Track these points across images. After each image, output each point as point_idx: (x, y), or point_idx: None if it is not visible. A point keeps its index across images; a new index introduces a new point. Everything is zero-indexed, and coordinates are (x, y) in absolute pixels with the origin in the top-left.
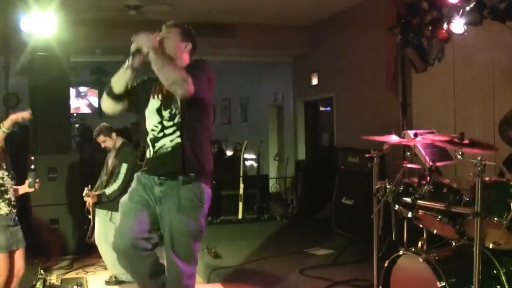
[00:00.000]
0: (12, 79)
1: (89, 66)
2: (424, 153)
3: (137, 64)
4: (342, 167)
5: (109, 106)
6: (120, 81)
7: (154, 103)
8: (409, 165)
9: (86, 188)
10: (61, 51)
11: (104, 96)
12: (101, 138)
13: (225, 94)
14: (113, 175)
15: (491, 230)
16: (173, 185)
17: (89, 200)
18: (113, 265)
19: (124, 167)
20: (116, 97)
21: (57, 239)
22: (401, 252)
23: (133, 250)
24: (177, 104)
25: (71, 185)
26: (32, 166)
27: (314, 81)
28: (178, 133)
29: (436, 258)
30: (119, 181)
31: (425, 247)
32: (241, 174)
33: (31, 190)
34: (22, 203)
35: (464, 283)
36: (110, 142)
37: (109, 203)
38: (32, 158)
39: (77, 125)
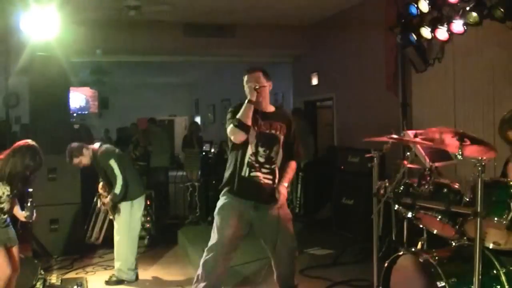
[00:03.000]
0: (12, 79)
1: (89, 66)
2: (424, 153)
3: (255, 99)
4: (342, 167)
5: (240, 136)
6: (246, 114)
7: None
8: (409, 165)
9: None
10: (61, 51)
11: (234, 129)
12: (75, 161)
13: (225, 94)
14: (111, 178)
15: (491, 230)
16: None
17: (106, 207)
18: (125, 257)
19: (112, 163)
20: (246, 129)
21: (57, 239)
22: (401, 252)
23: None
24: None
25: (71, 185)
26: (30, 199)
27: (314, 81)
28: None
29: (436, 258)
30: (119, 178)
31: (425, 247)
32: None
33: (29, 221)
34: (22, 203)
35: (464, 283)
36: (85, 158)
37: (127, 195)
38: (30, 190)
39: (76, 126)
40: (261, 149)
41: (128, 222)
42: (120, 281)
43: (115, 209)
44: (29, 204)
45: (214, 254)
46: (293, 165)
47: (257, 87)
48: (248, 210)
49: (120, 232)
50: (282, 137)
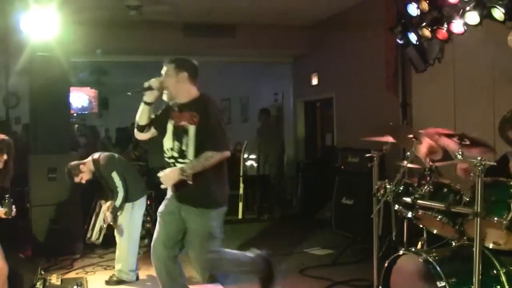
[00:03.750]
0: (12, 79)
1: (89, 66)
2: (424, 153)
3: (149, 100)
4: (342, 167)
5: (138, 136)
6: (140, 115)
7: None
8: (409, 165)
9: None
10: (61, 51)
11: (135, 130)
12: (77, 179)
13: (225, 94)
14: (112, 188)
15: (491, 230)
16: None
17: (109, 220)
18: (125, 258)
19: (114, 175)
20: (140, 128)
21: (57, 239)
22: (401, 252)
23: None
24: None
25: (71, 185)
26: (7, 195)
27: (314, 81)
28: None
29: (436, 258)
30: (120, 190)
31: (425, 247)
32: (241, 174)
33: (9, 217)
34: (22, 203)
35: (464, 283)
36: (86, 174)
37: (128, 197)
38: (9, 186)
39: (76, 126)
40: (175, 143)
41: (128, 223)
42: (120, 281)
43: (116, 218)
44: (6, 201)
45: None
46: (206, 154)
47: (146, 85)
48: (180, 208)
49: (121, 234)
50: (192, 128)
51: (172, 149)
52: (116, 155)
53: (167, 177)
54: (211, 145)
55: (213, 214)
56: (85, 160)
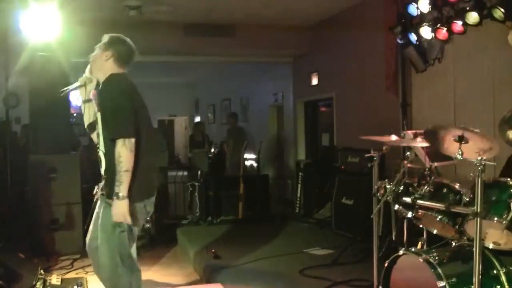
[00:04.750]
0: (12, 79)
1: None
2: (424, 153)
3: (84, 97)
4: (342, 167)
5: (95, 139)
6: (85, 115)
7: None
8: (409, 165)
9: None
10: (61, 51)
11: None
12: None
13: (225, 94)
14: None
15: (491, 230)
16: None
17: None
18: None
19: None
20: (90, 128)
21: (57, 239)
22: (401, 252)
23: None
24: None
25: (71, 185)
26: None
27: (314, 81)
28: None
29: (436, 258)
30: None
31: (425, 247)
32: (241, 174)
33: None
34: (22, 203)
35: (464, 283)
36: None
37: None
38: None
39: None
40: (96, 133)
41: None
42: None
43: None
44: None
45: None
46: (116, 155)
47: (76, 84)
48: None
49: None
50: (99, 114)
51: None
52: None
53: (116, 215)
54: (110, 134)
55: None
56: None
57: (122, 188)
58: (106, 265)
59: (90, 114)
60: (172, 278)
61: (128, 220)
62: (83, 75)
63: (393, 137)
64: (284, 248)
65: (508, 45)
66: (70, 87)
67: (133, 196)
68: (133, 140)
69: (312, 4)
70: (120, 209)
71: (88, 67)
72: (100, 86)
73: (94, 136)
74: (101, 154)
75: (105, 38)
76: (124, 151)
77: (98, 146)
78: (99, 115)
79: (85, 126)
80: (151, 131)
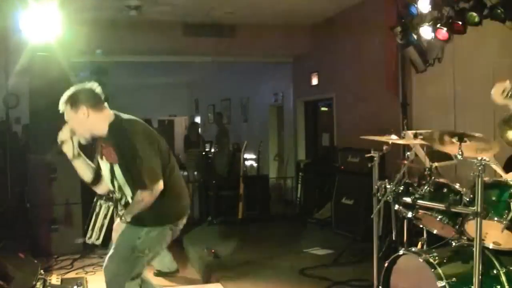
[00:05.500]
0: (12, 79)
1: (89, 66)
2: (424, 153)
3: (71, 154)
4: (342, 167)
5: (100, 190)
6: (80, 173)
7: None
8: (409, 165)
9: None
10: (61, 51)
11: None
12: None
13: (225, 94)
14: None
15: (491, 230)
16: None
17: None
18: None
19: None
20: (93, 184)
21: (57, 239)
22: (401, 252)
23: None
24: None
25: (71, 185)
26: None
27: (314, 81)
28: None
29: (436, 258)
30: None
31: (425, 247)
32: (241, 174)
33: None
34: (22, 203)
35: (464, 283)
36: None
37: None
38: None
39: None
40: (115, 183)
41: None
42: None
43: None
44: None
45: None
46: (138, 196)
47: (59, 142)
48: None
49: None
50: (116, 165)
51: (113, 192)
52: None
53: (114, 231)
54: (136, 183)
55: (150, 232)
56: None
57: (130, 213)
58: (113, 281)
59: (83, 171)
60: (172, 278)
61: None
62: (60, 132)
63: (393, 137)
64: (284, 248)
65: (509, 45)
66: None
67: (162, 221)
68: (161, 182)
69: (312, 4)
70: (118, 228)
71: (69, 131)
72: (107, 139)
73: (101, 187)
74: (129, 199)
75: (64, 103)
76: (148, 198)
77: (120, 198)
78: (116, 167)
79: (87, 183)
80: (170, 155)
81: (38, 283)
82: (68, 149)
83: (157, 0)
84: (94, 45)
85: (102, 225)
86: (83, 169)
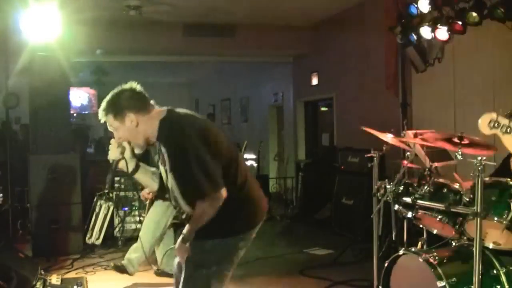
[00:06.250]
0: (12, 79)
1: (89, 66)
2: (424, 153)
3: (130, 168)
4: (342, 167)
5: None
6: (146, 184)
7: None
8: (409, 165)
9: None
10: (61, 51)
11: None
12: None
13: (225, 94)
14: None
15: (491, 230)
16: None
17: (149, 197)
18: (141, 253)
19: None
20: (163, 192)
21: (57, 239)
22: (401, 252)
23: None
24: None
25: (71, 185)
26: None
27: (314, 81)
28: None
29: (436, 258)
30: None
31: (425, 247)
32: None
33: None
34: (22, 203)
35: (464, 283)
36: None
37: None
38: None
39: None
40: (171, 193)
41: (157, 220)
42: (123, 271)
43: (152, 203)
44: None
45: None
46: (198, 209)
47: (110, 159)
48: None
49: (148, 227)
50: (170, 173)
51: (171, 200)
52: None
53: (177, 251)
54: (195, 194)
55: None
56: None
57: (191, 231)
58: None
59: (148, 181)
60: (172, 278)
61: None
62: (110, 147)
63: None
64: (284, 248)
65: (508, 45)
66: (112, 169)
67: (232, 231)
68: (223, 190)
69: (312, 4)
70: (181, 250)
71: (134, 148)
72: (159, 143)
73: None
74: (188, 210)
75: (107, 110)
76: (210, 210)
77: (177, 207)
78: (170, 176)
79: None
80: (236, 153)
81: (38, 283)
82: (123, 165)
83: (157, 0)
84: (94, 45)
85: (102, 225)
86: (147, 180)
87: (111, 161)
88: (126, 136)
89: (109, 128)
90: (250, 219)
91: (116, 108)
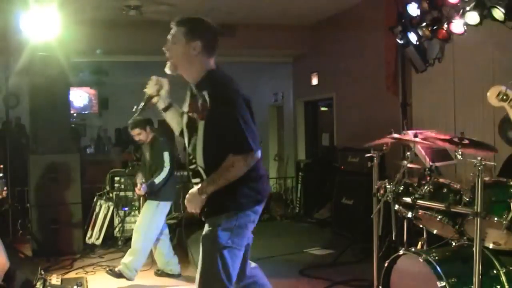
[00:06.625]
0: (12, 79)
1: (89, 66)
2: (424, 153)
3: (161, 106)
4: (342, 167)
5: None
6: (171, 124)
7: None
8: (409, 165)
9: (139, 181)
10: (61, 51)
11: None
12: (136, 131)
13: None
14: (154, 166)
15: (491, 230)
16: None
17: (140, 193)
18: (135, 257)
19: (166, 155)
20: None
21: (57, 239)
22: (401, 252)
23: None
24: None
25: (71, 185)
26: (1, 174)
27: (314, 81)
28: None
29: (436, 258)
30: (166, 169)
31: (425, 247)
32: None
33: None
34: (22, 203)
35: (464, 283)
36: (144, 135)
37: (159, 193)
38: (1, 166)
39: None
40: (190, 143)
41: (148, 221)
42: (120, 275)
43: (145, 200)
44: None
45: None
46: (228, 162)
47: (146, 96)
48: None
49: (139, 230)
50: (201, 124)
51: (188, 152)
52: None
53: (189, 203)
54: (229, 147)
55: (231, 221)
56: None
57: (213, 184)
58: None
59: (174, 122)
60: (172, 278)
61: (194, 209)
62: (148, 85)
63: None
64: (284, 248)
65: (508, 45)
66: (143, 102)
67: (242, 206)
68: (257, 154)
69: (312, 4)
70: (194, 200)
71: (168, 65)
72: (199, 88)
73: (184, 143)
74: (200, 170)
75: (183, 23)
76: (241, 166)
77: (192, 158)
78: (201, 124)
79: (177, 134)
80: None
81: (38, 283)
82: (157, 101)
83: (157, 0)
84: (94, 45)
85: (102, 225)
86: (174, 122)
87: (145, 96)
88: (177, 58)
89: (169, 38)
90: (258, 195)
91: (192, 29)
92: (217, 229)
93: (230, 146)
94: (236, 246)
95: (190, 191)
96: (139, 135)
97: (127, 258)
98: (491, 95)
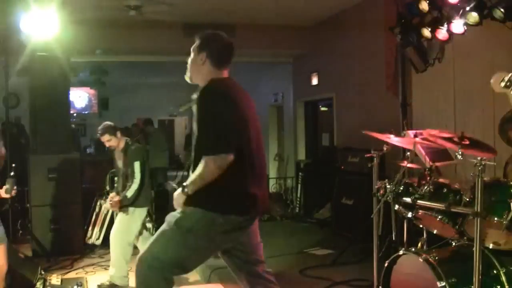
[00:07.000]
0: (12, 79)
1: (89, 66)
2: (424, 153)
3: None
4: (342, 167)
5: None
6: None
7: None
8: (409, 165)
9: (109, 198)
10: (61, 51)
11: None
12: (106, 137)
13: None
14: (129, 177)
15: (491, 230)
16: None
17: (114, 209)
18: (118, 264)
19: (137, 165)
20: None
21: (57, 239)
22: (401, 252)
23: None
24: None
25: (71, 185)
26: (12, 173)
27: (314, 81)
28: None
29: (436, 258)
30: (136, 181)
31: (425, 247)
32: None
33: (8, 196)
34: (22, 203)
35: (464, 283)
36: (115, 141)
37: (134, 201)
38: (13, 165)
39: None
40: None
41: (126, 228)
42: (113, 285)
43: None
44: (10, 177)
45: None
46: (202, 162)
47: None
48: None
49: (115, 236)
50: (195, 125)
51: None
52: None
53: (174, 200)
54: (203, 148)
55: (196, 214)
56: (121, 136)
57: (193, 184)
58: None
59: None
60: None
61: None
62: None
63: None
64: (284, 248)
65: (508, 45)
66: (191, 103)
67: (213, 206)
68: (229, 157)
69: (312, 4)
70: (178, 198)
71: (187, 73)
72: (198, 94)
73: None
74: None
75: (199, 36)
76: (211, 167)
77: (189, 164)
78: (195, 126)
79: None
80: (258, 151)
81: (38, 283)
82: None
83: (157, 0)
84: (94, 45)
85: (102, 225)
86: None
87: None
88: (190, 67)
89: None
90: (237, 206)
91: (202, 41)
92: (186, 214)
93: (204, 147)
94: (199, 237)
95: (176, 191)
96: (109, 141)
97: (111, 270)
98: (495, 82)
